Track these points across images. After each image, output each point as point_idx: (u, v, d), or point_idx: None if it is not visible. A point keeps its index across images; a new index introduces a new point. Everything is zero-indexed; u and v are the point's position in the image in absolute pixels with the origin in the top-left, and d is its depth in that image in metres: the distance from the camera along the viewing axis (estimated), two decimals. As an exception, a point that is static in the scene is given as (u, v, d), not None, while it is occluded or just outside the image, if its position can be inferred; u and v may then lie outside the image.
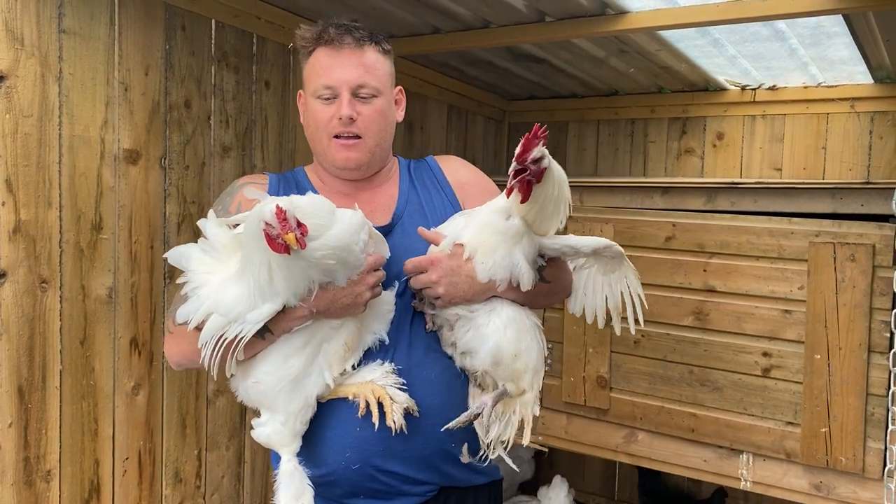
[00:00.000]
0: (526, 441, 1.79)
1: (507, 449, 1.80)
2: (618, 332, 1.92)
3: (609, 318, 1.93)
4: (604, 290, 1.92)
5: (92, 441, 2.30)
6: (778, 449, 2.66)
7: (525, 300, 1.75)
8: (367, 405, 1.63)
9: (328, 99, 1.76)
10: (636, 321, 1.90)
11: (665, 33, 3.07)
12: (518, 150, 1.53)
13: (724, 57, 3.43)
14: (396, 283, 1.75)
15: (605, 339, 2.98)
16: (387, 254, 1.70)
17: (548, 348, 1.92)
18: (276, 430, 1.63)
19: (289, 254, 1.43)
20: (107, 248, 2.29)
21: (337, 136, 1.77)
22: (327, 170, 1.87)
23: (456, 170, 1.99)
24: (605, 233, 2.96)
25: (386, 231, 1.77)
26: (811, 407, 2.57)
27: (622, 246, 2.88)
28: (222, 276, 1.59)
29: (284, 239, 1.40)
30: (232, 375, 1.66)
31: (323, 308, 1.57)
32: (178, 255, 1.67)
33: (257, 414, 1.67)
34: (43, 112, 2.11)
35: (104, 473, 2.35)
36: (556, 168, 1.64)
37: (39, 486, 2.16)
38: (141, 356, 2.42)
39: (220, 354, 1.54)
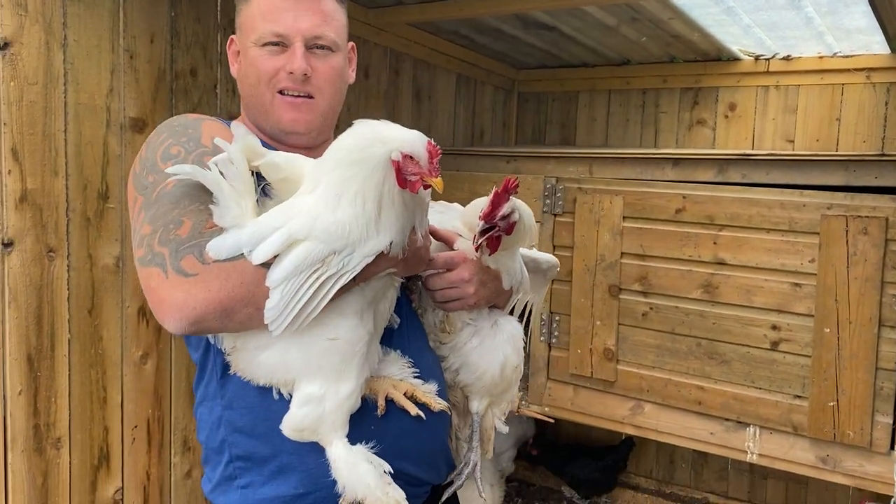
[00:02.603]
0: (489, 455, 1.74)
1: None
2: None
3: None
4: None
5: (101, 409, 2.32)
6: (785, 422, 2.65)
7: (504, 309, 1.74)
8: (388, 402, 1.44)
9: (277, 46, 1.51)
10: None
11: (678, 0, 3.02)
12: (486, 208, 1.45)
13: (738, 26, 3.38)
14: None
15: (613, 312, 2.97)
16: None
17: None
18: (338, 405, 1.32)
19: (415, 192, 1.26)
20: (113, 216, 2.29)
21: (281, 92, 1.53)
22: (267, 132, 1.59)
23: None
24: (615, 205, 2.94)
25: None
26: (819, 381, 2.56)
27: (633, 218, 2.91)
28: (299, 201, 1.30)
29: (430, 181, 1.24)
30: (233, 348, 1.38)
31: (408, 255, 1.36)
32: (203, 175, 1.29)
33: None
34: (48, 79, 2.09)
35: (113, 441, 2.37)
36: (524, 212, 1.56)
37: (50, 453, 2.18)
38: (149, 325, 2.42)
39: (307, 296, 1.22)
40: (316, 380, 1.31)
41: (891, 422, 2.45)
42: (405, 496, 1.34)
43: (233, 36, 1.64)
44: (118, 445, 2.39)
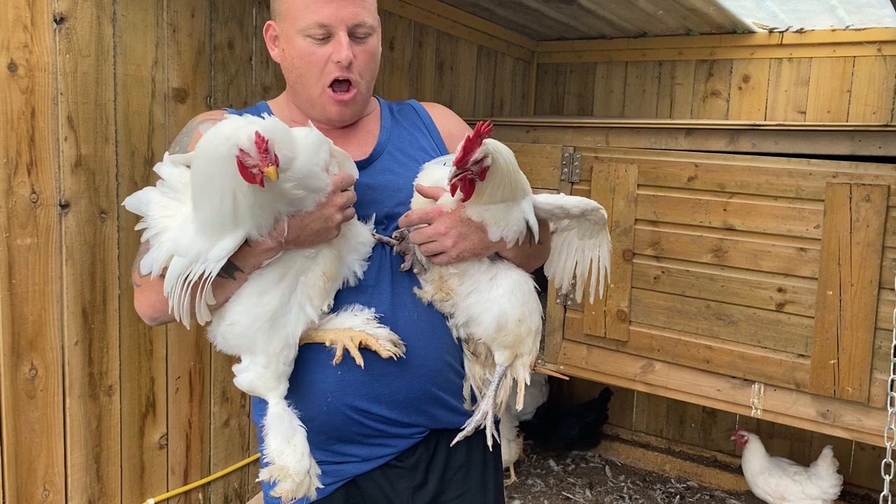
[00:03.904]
0: (520, 406, 1.69)
1: (500, 410, 1.74)
2: (578, 298, 1.87)
3: (573, 284, 1.86)
4: (576, 255, 1.84)
5: (147, 360, 2.50)
6: (788, 379, 2.80)
7: (520, 261, 1.68)
8: (346, 352, 1.55)
9: (323, 38, 1.57)
10: (597, 292, 1.85)
11: (694, -24, 3.11)
12: (458, 153, 1.44)
13: (753, -1, 3.47)
14: (373, 216, 1.64)
15: (626, 275, 3.11)
16: (354, 172, 1.57)
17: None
18: (259, 373, 1.51)
19: (262, 185, 1.31)
20: (158, 181, 2.44)
21: (331, 86, 1.61)
22: (313, 116, 1.68)
23: (445, 117, 1.86)
24: (630, 173, 3.06)
25: (363, 165, 1.65)
26: (822, 340, 2.70)
27: (647, 186, 3.04)
28: (182, 216, 1.46)
29: (263, 171, 1.28)
30: (207, 323, 1.53)
31: (292, 237, 1.44)
32: (136, 200, 1.52)
33: (238, 360, 1.57)
34: (99, 52, 2.24)
35: (159, 390, 2.55)
36: (501, 157, 1.52)
37: (103, 400, 2.36)
38: (191, 283, 2.58)
39: (187, 299, 1.41)
40: (241, 354, 1.54)
41: (888, 378, 2.59)
42: (304, 469, 1.48)
43: (270, 22, 1.67)
44: (163, 394, 2.57)
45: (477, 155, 1.45)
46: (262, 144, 1.26)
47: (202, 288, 1.40)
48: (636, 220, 3.08)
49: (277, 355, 1.50)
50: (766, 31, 3.97)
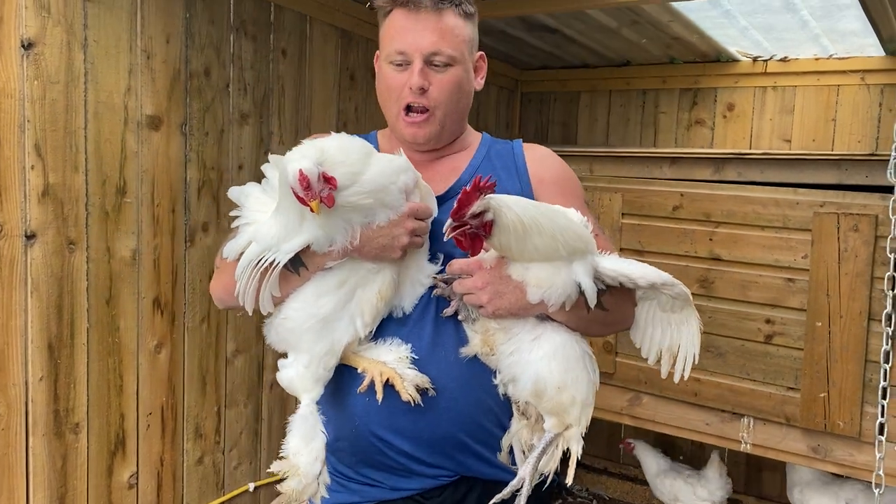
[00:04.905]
0: (570, 480, 1.60)
1: (545, 481, 1.65)
2: (664, 374, 1.71)
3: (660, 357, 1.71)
4: (662, 328, 1.69)
5: (117, 396, 2.41)
6: (778, 413, 2.74)
7: (577, 326, 1.59)
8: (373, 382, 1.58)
9: (400, 65, 1.66)
10: (682, 373, 1.68)
11: (677, 4, 3.10)
12: (455, 206, 1.41)
13: (736, 28, 3.46)
14: (440, 256, 1.64)
15: (612, 306, 3.05)
16: (434, 208, 1.62)
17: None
18: (299, 372, 1.58)
19: (314, 211, 1.40)
20: (130, 211, 2.38)
21: (407, 109, 1.67)
22: (397, 139, 1.77)
23: (539, 161, 1.80)
24: (614, 202, 3.02)
25: (437, 201, 1.67)
26: (811, 373, 2.65)
27: (631, 215, 2.99)
28: (270, 213, 1.57)
29: (309, 205, 1.38)
30: (269, 314, 1.60)
31: (358, 245, 1.50)
32: (239, 192, 1.66)
33: (284, 356, 1.62)
34: (69, 79, 2.18)
35: (129, 427, 2.46)
36: (510, 212, 1.45)
37: (69, 438, 2.26)
38: (163, 316, 2.51)
39: (254, 285, 1.50)
40: (288, 349, 1.62)
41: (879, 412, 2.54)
42: (314, 472, 1.54)
43: (378, 52, 1.77)
44: (133, 431, 2.48)
45: (475, 209, 1.40)
46: (304, 181, 1.37)
47: (269, 276, 1.50)
48: (621, 249, 3.03)
49: (320, 358, 1.57)
50: (751, 60, 3.97)
